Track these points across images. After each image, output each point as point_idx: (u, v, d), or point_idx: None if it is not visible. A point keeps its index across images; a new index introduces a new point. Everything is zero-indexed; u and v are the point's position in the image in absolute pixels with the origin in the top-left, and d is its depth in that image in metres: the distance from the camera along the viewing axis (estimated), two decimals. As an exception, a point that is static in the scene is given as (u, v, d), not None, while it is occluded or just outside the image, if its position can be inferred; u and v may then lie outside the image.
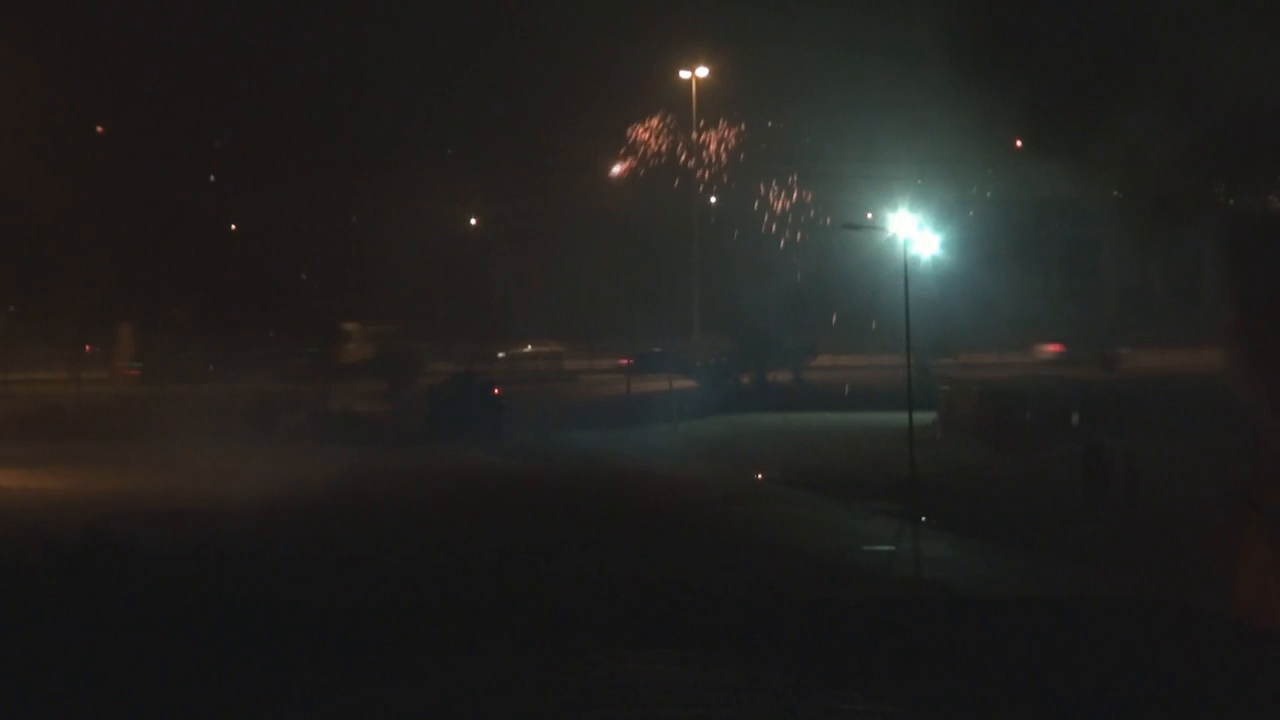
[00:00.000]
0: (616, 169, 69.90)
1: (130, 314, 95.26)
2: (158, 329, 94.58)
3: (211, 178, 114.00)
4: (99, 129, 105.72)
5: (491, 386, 66.21)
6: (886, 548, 37.13)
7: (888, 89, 74.13)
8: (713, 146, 70.35)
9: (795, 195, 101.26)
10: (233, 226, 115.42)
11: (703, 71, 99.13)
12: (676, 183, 69.87)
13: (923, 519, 40.45)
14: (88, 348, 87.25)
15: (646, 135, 69.95)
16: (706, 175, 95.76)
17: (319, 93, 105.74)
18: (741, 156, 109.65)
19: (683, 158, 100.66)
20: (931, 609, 29.78)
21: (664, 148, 70.35)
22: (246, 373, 79.04)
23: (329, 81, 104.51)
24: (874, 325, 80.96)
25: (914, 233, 50.33)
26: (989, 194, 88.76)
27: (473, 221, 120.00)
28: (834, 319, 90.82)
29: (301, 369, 77.89)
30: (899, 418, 50.07)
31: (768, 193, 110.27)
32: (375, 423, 68.65)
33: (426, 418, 64.14)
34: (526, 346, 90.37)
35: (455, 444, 59.66)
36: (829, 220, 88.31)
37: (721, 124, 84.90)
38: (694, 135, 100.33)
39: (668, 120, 69.15)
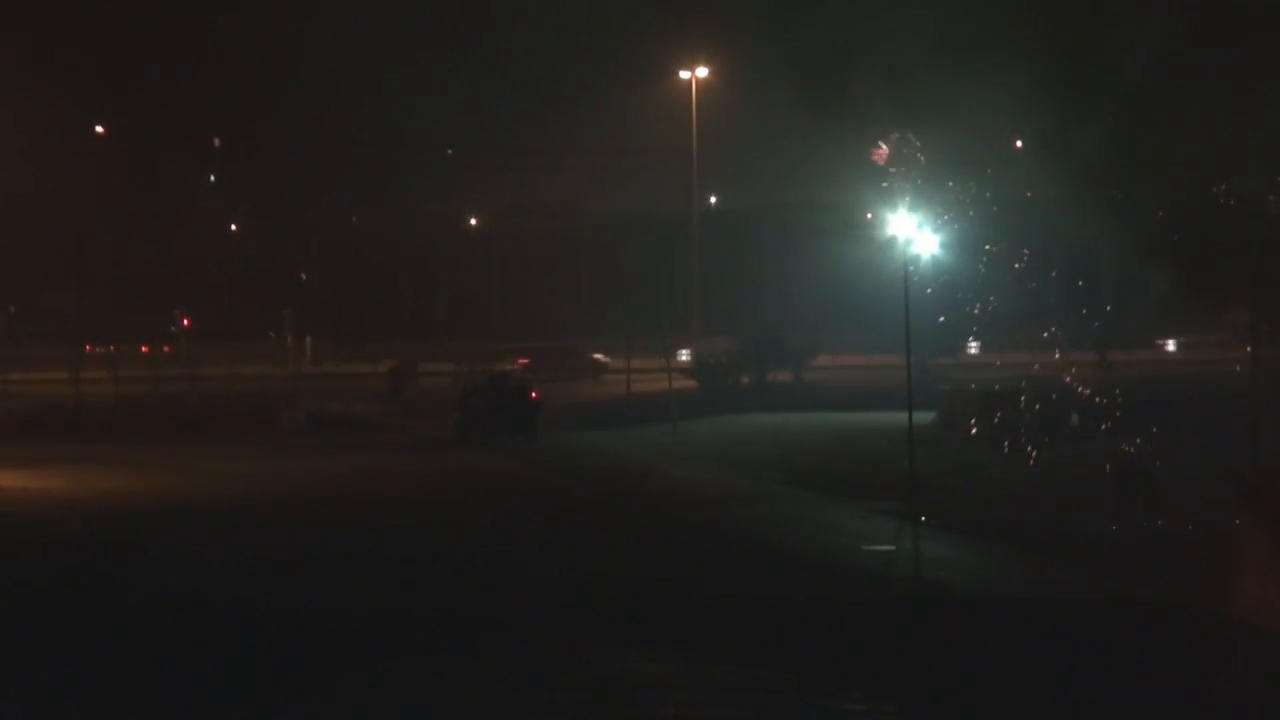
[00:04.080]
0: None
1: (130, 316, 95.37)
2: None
3: (212, 178, 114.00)
4: (99, 129, 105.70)
5: (528, 389, 65.70)
6: (886, 548, 37.09)
7: (887, 87, 73.95)
8: None
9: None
10: (233, 226, 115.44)
11: (703, 71, 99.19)
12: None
13: (923, 519, 40.42)
14: (88, 348, 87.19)
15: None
16: None
17: (318, 93, 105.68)
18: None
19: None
20: (931, 609, 29.76)
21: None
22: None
23: (328, 82, 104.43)
24: (874, 325, 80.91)
25: (914, 233, 50.29)
26: (989, 194, 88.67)
27: (473, 221, 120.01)
28: (833, 319, 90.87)
29: None
30: (899, 418, 50.04)
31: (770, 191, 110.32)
32: (380, 424, 68.57)
33: (457, 420, 63.63)
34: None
35: (490, 447, 59.38)
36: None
37: None
38: (693, 136, 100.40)
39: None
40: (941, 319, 47.36)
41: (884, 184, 69.02)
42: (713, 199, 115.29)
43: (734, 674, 24.14)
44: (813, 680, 23.87)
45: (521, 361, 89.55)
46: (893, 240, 50.61)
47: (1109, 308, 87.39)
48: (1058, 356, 66.61)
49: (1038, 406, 60.13)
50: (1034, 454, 52.75)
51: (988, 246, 68.32)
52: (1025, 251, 77.87)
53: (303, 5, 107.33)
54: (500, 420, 62.40)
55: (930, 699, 23.12)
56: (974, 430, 57.22)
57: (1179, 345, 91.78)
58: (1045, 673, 24.35)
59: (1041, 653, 25.69)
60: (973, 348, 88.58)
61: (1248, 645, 26.69)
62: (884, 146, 66.61)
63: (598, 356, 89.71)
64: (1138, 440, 44.92)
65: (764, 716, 22.28)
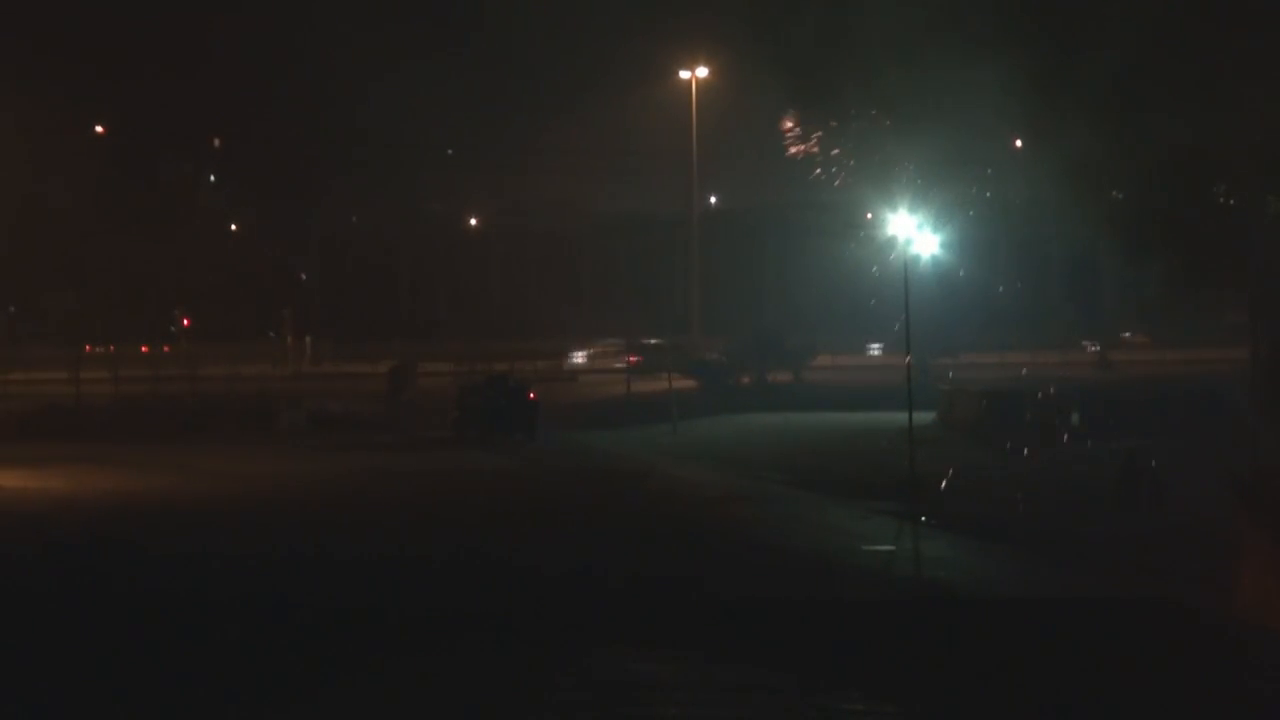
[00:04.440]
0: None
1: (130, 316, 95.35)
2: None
3: (212, 178, 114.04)
4: (99, 129, 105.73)
5: (526, 389, 65.54)
6: (886, 548, 37.11)
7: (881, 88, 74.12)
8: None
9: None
10: (233, 226, 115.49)
11: (702, 71, 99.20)
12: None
13: (923, 519, 40.45)
14: (88, 348, 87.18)
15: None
16: None
17: (319, 93, 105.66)
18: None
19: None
20: (931, 609, 29.77)
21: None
22: None
23: (328, 83, 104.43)
24: (874, 325, 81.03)
25: (914, 232, 50.37)
26: (988, 194, 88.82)
27: (473, 222, 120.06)
28: (833, 319, 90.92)
29: None
30: (899, 417, 50.07)
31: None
32: (380, 424, 68.53)
33: (455, 420, 63.55)
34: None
35: (490, 447, 59.30)
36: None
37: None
38: (692, 136, 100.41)
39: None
40: (909, 359, 47.73)
41: (816, 172, 69.47)
42: (713, 199, 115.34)
43: (734, 674, 24.14)
44: (813, 680, 23.86)
45: (633, 360, 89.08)
46: (893, 240, 50.71)
47: (1076, 310, 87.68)
48: (1052, 386, 66.84)
49: (1037, 406, 60.24)
50: (1034, 453, 52.80)
51: (961, 272, 68.61)
52: (1013, 283, 78.11)
53: (302, 5, 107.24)
54: (499, 420, 62.36)
55: (930, 699, 23.12)
56: (974, 430, 57.27)
57: (1101, 347, 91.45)
58: (1046, 672, 24.35)
59: (1042, 653, 25.69)
60: (874, 348, 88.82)
61: (1248, 644, 26.70)
62: (790, 123, 66.72)
63: (712, 355, 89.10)
64: (1140, 438, 45.03)
65: (764, 716, 22.27)
